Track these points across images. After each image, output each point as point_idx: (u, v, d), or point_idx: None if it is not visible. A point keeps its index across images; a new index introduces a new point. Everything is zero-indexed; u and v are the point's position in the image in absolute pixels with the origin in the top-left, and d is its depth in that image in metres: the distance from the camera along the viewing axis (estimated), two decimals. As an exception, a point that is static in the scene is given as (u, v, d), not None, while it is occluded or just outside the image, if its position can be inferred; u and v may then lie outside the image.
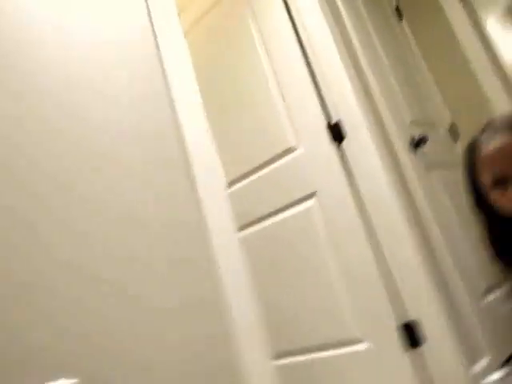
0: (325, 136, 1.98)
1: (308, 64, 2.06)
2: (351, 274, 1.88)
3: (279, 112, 2.15)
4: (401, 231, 1.78)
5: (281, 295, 2.15)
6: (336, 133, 1.97)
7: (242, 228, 2.33)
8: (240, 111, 2.33)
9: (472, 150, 1.16)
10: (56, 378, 0.84)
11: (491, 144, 1.07)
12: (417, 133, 2.15)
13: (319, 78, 2.03)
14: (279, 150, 2.15)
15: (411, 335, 1.73)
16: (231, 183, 2.37)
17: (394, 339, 1.76)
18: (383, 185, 1.82)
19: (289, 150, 2.12)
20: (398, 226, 1.78)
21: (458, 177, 1.57)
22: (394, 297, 1.79)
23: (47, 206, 0.96)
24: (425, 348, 1.72)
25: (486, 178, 1.10)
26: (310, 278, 2.02)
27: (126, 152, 1.16)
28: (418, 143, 2.10)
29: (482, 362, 1.79)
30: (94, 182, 1.07)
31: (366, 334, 1.84)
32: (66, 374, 0.85)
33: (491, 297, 2.07)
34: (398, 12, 2.76)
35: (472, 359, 1.75)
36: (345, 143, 1.95)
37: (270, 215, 2.19)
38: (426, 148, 2.15)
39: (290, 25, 2.11)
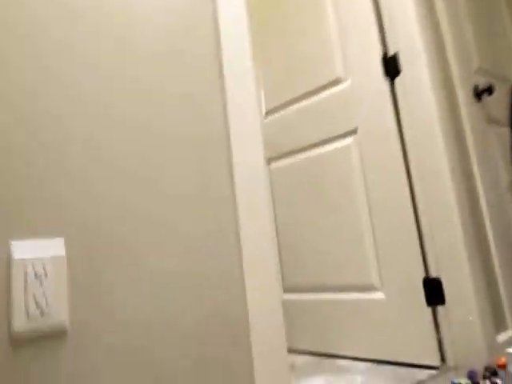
0: (378, 69, 1.81)
1: (372, -15, 1.85)
2: (381, 220, 1.76)
3: (331, 37, 1.97)
4: (444, 182, 1.63)
5: (305, 231, 2.06)
6: (391, 67, 1.79)
7: (273, 159, 2.22)
8: (287, 33, 2.16)
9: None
10: (36, 234, 0.78)
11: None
12: (482, 82, 1.94)
13: (382, 1, 1.83)
14: (325, 81, 1.99)
15: (434, 292, 1.62)
16: (269, 112, 2.24)
17: (415, 292, 1.65)
18: (435, 131, 1.66)
19: (335, 82, 1.96)
20: (441, 175, 1.63)
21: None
22: (423, 249, 1.67)
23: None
24: (448, 306, 1.61)
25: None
26: (337, 218, 1.92)
27: (170, 83, 1.06)
28: (481, 93, 1.89)
29: (508, 333, 1.67)
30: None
31: (385, 282, 1.75)
32: (51, 231, 0.80)
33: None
34: None
35: (497, 328, 1.64)
36: (398, 79, 1.78)
37: (304, 149, 2.07)
38: (489, 100, 1.94)
39: None
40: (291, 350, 2.12)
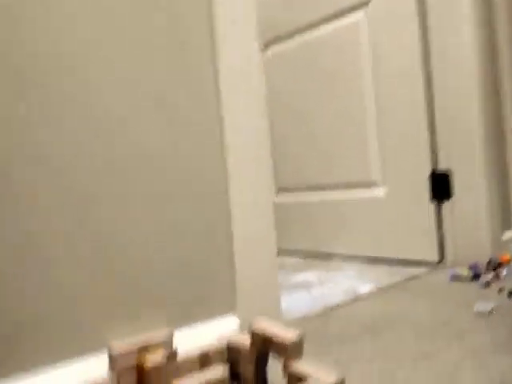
0: None
1: None
2: (388, 109, 1.58)
3: None
4: (465, 65, 1.44)
5: (301, 125, 1.89)
6: None
7: (270, 43, 1.99)
8: None
9: None
10: None
11: None
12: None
13: None
14: None
15: (441, 185, 1.49)
16: (267, -13, 1.97)
17: (419, 187, 1.52)
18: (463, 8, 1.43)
19: None
20: (463, 56, 1.43)
21: None
22: (433, 140, 1.52)
23: None
24: (455, 200, 1.49)
25: None
26: (337, 108, 1.74)
27: None
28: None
29: (514, 232, 1.58)
30: None
31: (388, 178, 1.61)
32: None
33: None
34: None
35: (503, 226, 1.53)
36: None
37: (304, 29, 1.84)
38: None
39: None
40: (281, 251, 2.04)
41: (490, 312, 0.98)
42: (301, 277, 1.55)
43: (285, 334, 0.66)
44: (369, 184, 1.68)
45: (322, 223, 1.85)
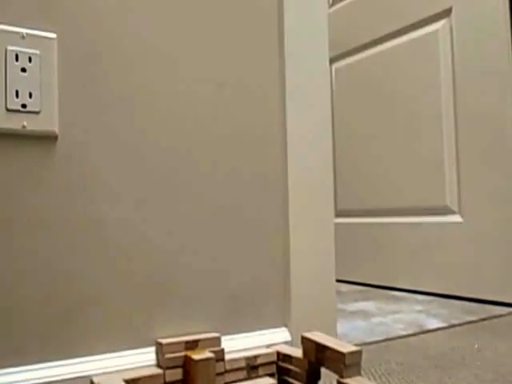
0: None
1: None
2: (470, 134, 1.50)
3: None
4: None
5: (367, 145, 1.84)
6: None
7: (336, 59, 1.98)
8: None
9: None
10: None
11: None
12: None
13: None
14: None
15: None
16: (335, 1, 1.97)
17: (502, 216, 1.42)
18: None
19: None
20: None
21: None
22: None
23: None
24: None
25: None
26: (407, 130, 1.68)
27: None
28: None
29: None
30: None
31: (465, 204, 1.51)
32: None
33: None
34: None
35: None
36: None
37: (376, 42, 1.81)
38: None
39: None
40: (339, 278, 1.96)
41: None
42: (360, 305, 1.47)
43: (341, 345, 0.61)
44: (443, 211, 1.58)
45: (386, 252, 1.76)
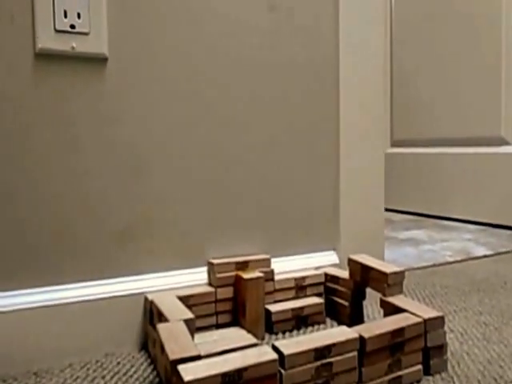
0: None
1: None
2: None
3: None
4: None
5: (423, 68, 1.79)
6: None
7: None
8: None
9: None
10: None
11: None
12: None
13: None
14: None
15: None
16: None
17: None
18: None
19: None
20: None
21: None
22: None
23: None
24: None
25: None
26: (473, 55, 1.62)
27: None
28: None
29: None
30: None
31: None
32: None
33: None
34: None
35: None
36: None
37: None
38: None
39: None
40: (392, 207, 2.00)
41: None
42: (410, 234, 1.52)
43: (385, 266, 0.67)
44: (498, 141, 1.56)
45: (439, 182, 1.77)
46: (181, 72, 0.72)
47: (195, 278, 0.72)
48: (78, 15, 0.62)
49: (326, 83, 0.87)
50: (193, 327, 0.55)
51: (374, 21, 0.91)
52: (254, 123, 0.79)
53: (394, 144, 1.96)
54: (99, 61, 0.65)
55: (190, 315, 0.56)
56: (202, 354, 0.48)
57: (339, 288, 0.75)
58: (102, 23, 0.64)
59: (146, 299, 0.67)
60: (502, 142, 1.54)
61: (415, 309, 0.60)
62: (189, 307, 0.66)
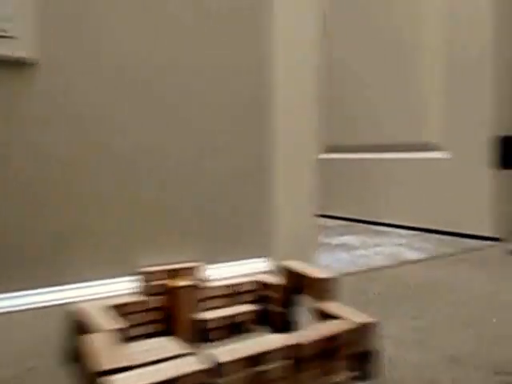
0: None
1: None
2: (455, 63, 1.52)
3: None
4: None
5: (356, 77, 1.85)
6: None
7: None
8: None
9: None
10: None
11: None
12: None
13: None
14: None
15: (506, 153, 1.44)
16: None
17: (481, 153, 1.47)
18: None
19: None
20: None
21: None
22: (499, 99, 1.45)
23: None
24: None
25: None
26: (403, 63, 1.69)
27: None
28: None
29: None
30: None
31: (449, 140, 1.56)
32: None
33: None
34: None
35: None
36: None
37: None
38: None
39: None
40: (325, 214, 2.04)
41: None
42: (343, 239, 1.56)
43: (318, 272, 0.67)
44: (427, 147, 1.63)
45: (372, 188, 1.83)
46: (114, 73, 0.70)
47: (127, 287, 0.70)
48: (3, 18, 0.58)
49: (259, 90, 0.87)
50: (123, 337, 0.53)
51: (308, 29, 0.92)
52: (182, 129, 0.78)
53: (329, 150, 2.00)
54: (25, 64, 0.63)
55: (119, 325, 0.54)
56: (133, 364, 0.46)
57: (272, 295, 0.74)
58: (31, 25, 0.61)
59: (73, 309, 0.64)
60: (430, 148, 1.62)
61: (349, 314, 0.60)
62: (120, 316, 0.63)
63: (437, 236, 1.57)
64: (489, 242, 1.44)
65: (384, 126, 1.76)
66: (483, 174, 1.47)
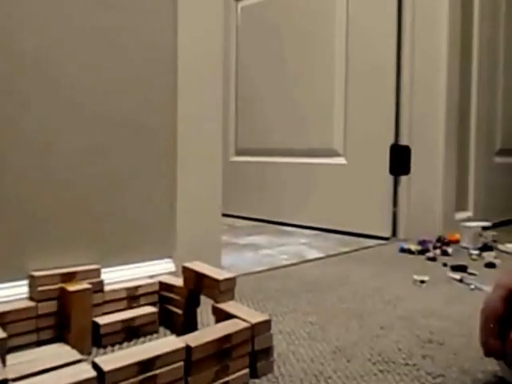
0: None
1: None
2: (357, 82, 1.61)
3: None
4: (437, 36, 1.48)
5: (266, 87, 1.89)
6: None
7: (243, -7, 1.97)
8: None
9: None
10: None
11: None
12: None
13: None
14: None
15: (401, 160, 1.55)
16: None
17: (379, 160, 1.57)
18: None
19: None
20: (436, 27, 1.47)
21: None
22: (397, 116, 1.56)
23: None
24: (413, 177, 1.55)
25: None
26: (307, 74, 1.75)
27: None
28: None
29: (467, 214, 1.66)
30: None
31: (348, 148, 1.65)
32: None
33: (502, 160, 1.88)
34: None
35: (457, 207, 1.61)
36: None
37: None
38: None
39: None
40: (234, 214, 2.06)
41: (426, 282, 1.04)
42: (251, 239, 1.58)
43: (217, 273, 0.68)
44: (331, 153, 1.71)
45: (278, 190, 1.88)
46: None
47: (14, 293, 0.66)
48: None
49: (163, 91, 0.87)
50: (3, 347, 0.50)
51: (213, 29, 0.93)
52: (82, 127, 0.75)
53: (239, 152, 2.03)
54: None
55: (-1, 334, 0.51)
56: (12, 376, 0.44)
57: (173, 296, 0.74)
58: None
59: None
60: (334, 154, 1.69)
61: (244, 314, 0.62)
62: (4, 325, 0.60)
63: (337, 236, 1.65)
64: (380, 241, 1.53)
65: (291, 132, 1.82)
66: (376, 180, 1.57)
